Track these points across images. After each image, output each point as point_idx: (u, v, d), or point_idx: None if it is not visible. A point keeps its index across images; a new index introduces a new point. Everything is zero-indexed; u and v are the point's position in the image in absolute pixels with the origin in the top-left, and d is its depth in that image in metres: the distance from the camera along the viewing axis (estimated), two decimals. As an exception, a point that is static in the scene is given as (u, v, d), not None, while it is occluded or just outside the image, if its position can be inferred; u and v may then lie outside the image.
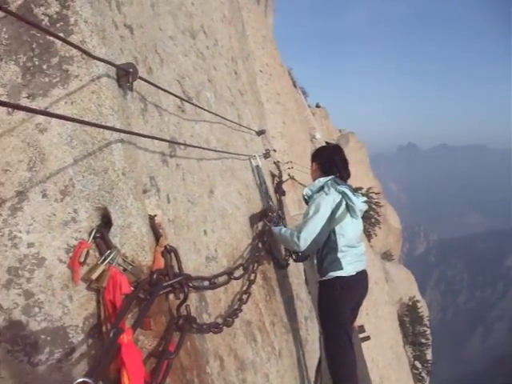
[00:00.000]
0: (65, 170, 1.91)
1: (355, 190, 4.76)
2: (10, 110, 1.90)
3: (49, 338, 1.89)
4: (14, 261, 1.89)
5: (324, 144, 33.26)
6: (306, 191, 4.70)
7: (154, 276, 1.96)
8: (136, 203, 2.02)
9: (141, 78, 2.21)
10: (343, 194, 4.39)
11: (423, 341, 36.42)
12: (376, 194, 36.83)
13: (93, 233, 1.92)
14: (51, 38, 1.89)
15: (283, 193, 6.38)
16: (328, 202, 4.34)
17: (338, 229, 4.39)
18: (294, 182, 15.59)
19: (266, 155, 6.06)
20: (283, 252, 5.45)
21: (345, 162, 4.84)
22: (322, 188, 4.51)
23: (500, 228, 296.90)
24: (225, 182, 3.80)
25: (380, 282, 26.52)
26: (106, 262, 1.89)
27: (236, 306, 3.22)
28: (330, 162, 4.79)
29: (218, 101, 4.26)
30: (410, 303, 37.39)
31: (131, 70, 2.05)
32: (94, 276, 1.87)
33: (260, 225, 4.50)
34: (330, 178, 4.58)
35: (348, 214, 4.42)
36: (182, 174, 2.91)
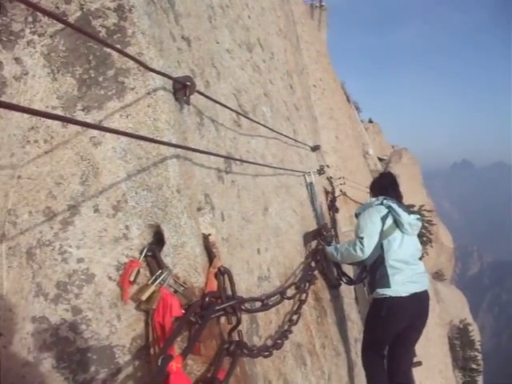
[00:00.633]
0: (118, 185, 1.86)
1: (408, 208, 4.72)
2: (64, 122, 1.87)
3: (95, 357, 1.83)
4: (63, 275, 1.85)
5: (376, 159, 32.85)
6: (358, 210, 4.76)
7: (207, 299, 1.87)
8: (190, 222, 1.94)
9: (198, 91, 2.14)
10: (389, 208, 4.40)
11: (474, 366, 35.14)
12: (428, 211, 36.03)
13: (144, 251, 1.86)
14: (108, 50, 1.85)
15: (337, 210, 6.25)
16: (374, 212, 4.39)
17: (385, 243, 4.32)
18: (345, 198, 15.39)
19: (321, 171, 5.95)
20: (335, 272, 5.30)
21: (394, 185, 4.88)
22: (370, 205, 4.57)
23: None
24: (279, 199, 3.71)
25: (431, 303, 25.79)
26: (157, 282, 1.81)
27: (286, 327, 3.10)
28: (379, 185, 4.89)
29: (274, 115, 4.18)
30: (461, 326, 36.25)
31: (188, 83, 1.99)
32: (144, 297, 1.79)
33: (313, 243, 4.39)
34: (379, 197, 4.63)
35: (397, 229, 4.38)
36: (237, 191, 2.83)
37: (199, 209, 2.15)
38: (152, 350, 1.82)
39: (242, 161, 2.95)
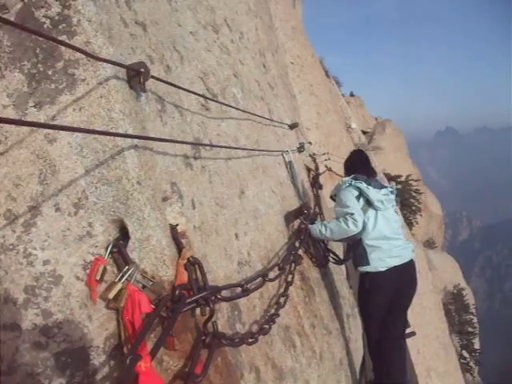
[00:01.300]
0: (77, 181, 1.79)
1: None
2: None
3: (69, 360, 1.77)
4: (30, 279, 1.78)
5: (360, 132, 32.87)
6: (332, 191, 4.99)
7: (177, 292, 1.81)
8: (154, 213, 1.87)
9: (154, 77, 2.06)
10: (359, 189, 4.57)
11: (470, 329, 35.70)
12: (415, 181, 36.26)
13: (109, 247, 1.79)
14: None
15: (320, 187, 6.20)
16: (347, 193, 4.55)
17: None
18: (331, 174, 15.33)
19: (300, 149, 5.88)
20: (322, 251, 5.28)
21: (363, 161, 5.07)
22: (342, 185, 4.74)
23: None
24: (256, 180, 3.64)
25: (423, 271, 26.08)
26: (124, 279, 1.75)
27: (273, 311, 3.05)
28: (349, 164, 5.13)
29: (245, 96, 4.10)
30: (455, 291, 36.74)
31: (142, 69, 1.90)
32: (111, 295, 1.73)
33: (296, 223, 4.33)
34: (351, 176, 4.78)
35: (370, 208, 4.56)
36: (208, 176, 2.76)
37: (165, 199, 2.08)
38: (125, 349, 1.76)
39: (210, 145, 2.87)
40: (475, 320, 37.11)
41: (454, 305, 35.65)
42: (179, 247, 1.98)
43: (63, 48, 1.77)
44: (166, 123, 2.34)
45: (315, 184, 6.02)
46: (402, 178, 34.26)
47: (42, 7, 1.78)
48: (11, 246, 1.80)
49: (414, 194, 35.24)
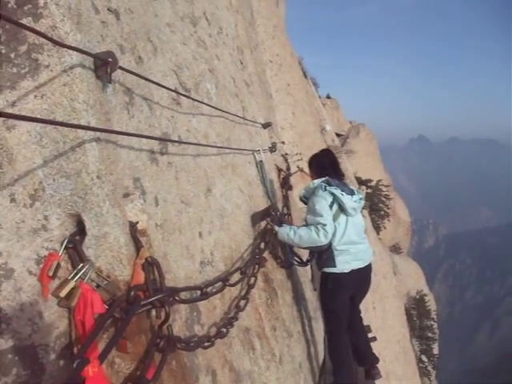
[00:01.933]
0: (34, 172, 1.71)
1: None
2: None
3: (16, 358, 1.68)
4: (-21, 271, 1.69)
5: (334, 135, 33.00)
6: (302, 192, 5.03)
7: (132, 293, 1.74)
8: (113, 210, 1.80)
9: (122, 68, 1.98)
10: (333, 195, 4.59)
11: (430, 335, 36.35)
12: (386, 186, 36.60)
13: (64, 243, 1.72)
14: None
15: (290, 187, 6.15)
16: (323, 201, 4.54)
17: None
18: (303, 174, 15.34)
19: (272, 148, 5.83)
20: (286, 253, 5.27)
21: (333, 164, 5.04)
22: (314, 190, 4.75)
23: (509, 223, 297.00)
24: (224, 179, 3.58)
25: (388, 275, 26.36)
26: (77, 277, 1.68)
27: (232, 314, 3.00)
28: (319, 165, 5.04)
29: (219, 92, 4.03)
30: (418, 297, 37.30)
31: (110, 59, 1.82)
32: (63, 293, 1.66)
33: (263, 224, 4.28)
34: (322, 179, 4.80)
35: (341, 214, 4.63)
36: (174, 173, 2.69)
37: (126, 195, 2.01)
38: (75, 349, 1.69)
39: (177, 141, 2.80)
40: (436, 326, 37.78)
41: (416, 310, 36.20)
42: (138, 246, 1.91)
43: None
44: (132, 116, 2.26)
45: (285, 185, 5.97)
46: (373, 183, 34.55)
47: (7, -14, 1.69)
48: (-39, 236, 1.71)
49: (383, 199, 35.57)
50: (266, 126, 5.76)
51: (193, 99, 3.18)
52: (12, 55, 1.70)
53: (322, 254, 4.67)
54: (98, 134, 1.78)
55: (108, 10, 2.20)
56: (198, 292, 2.42)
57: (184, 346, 2.08)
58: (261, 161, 4.90)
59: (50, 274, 1.68)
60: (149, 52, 2.70)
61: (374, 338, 9.80)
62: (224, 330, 2.73)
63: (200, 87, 3.54)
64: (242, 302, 3.21)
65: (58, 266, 1.71)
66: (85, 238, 1.75)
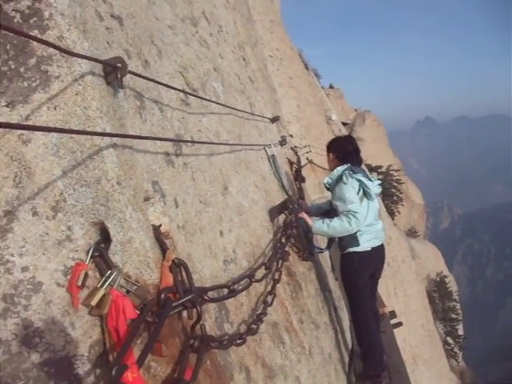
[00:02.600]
0: (54, 183, 1.70)
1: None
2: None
3: (52, 370, 1.69)
4: (8, 287, 1.69)
5: (340, 124, 32.92)
6: (327, 180, 5.16)
7: (162, 295, 1.73)
8: (136, 214, 1.79)
9: (131, 72, 1.98)
10: (360, 182, 4.89)
11: (454, 316, 36.35)
12: (396, 171, 36.54)
13: (90, 252, 1.71)
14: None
15: (303, 179, 6.14)
16: (350, 188, 4.80)
17: None
18: (313, 166, 15.34)
19: (282, 142, 5.82)
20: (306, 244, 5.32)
21: (357, 151, 5.29)
22: (341, 177, 4.95)
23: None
24: (239, 175, 3.57)
25: (407, 260, 26.30)
26: (107, 284, 1.67)
27: (260, 310, 2.98)
28: (344, 151, 5.22)
29: (226, 90, 4.03)
30: (438, 279, 37.23)
31: (119, 64, 1.81)
32: (94, 302, 1.66)
33: (281, 217, 4.28)
34: (346, 166, 5.04)
35: (365, 198, 4.94)
36: (191, 174, 2.69)
37: (147, 198, 2.00)
38: (111, 357, 1.69)
39: (192, 141, 2.80)
40: (458, 306, 37.73)
41: (437, 292, 36.16)
42: (163, 248, 1.91)
43: (35, 44, 1.68)
44: (145, 120, 2.26)
45: (298, 177, 5.96)
46: (383, 169, 34.51)
47: (11, 0, 1.69)
48: (-13, 254, 1.71)
49: (395, 184, 35.52)
50: (274, 120, 5.76)
51: (201, 98, 3.18)
52: (22, 69, 1.70)
53: (345, 237, 4.95)
54: (115, 140, 1.78)
55: (111, 16, 2.20)
56: (226, 290, 2.41)
57: (217, 345, 2.07)
58: (273, 155, 4.95)
59: (79, 283, 1.68)
60: (154, 55, 2.69)
61: (400, 324, 9.81)
62: (254, 326, 2.71)
63: (207, 86, 3.54)
64: (270, 297, 3.19)
65: (86, 275, 1.70)
66: (110, 245, 1.74)
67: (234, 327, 2.69)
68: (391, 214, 33.63)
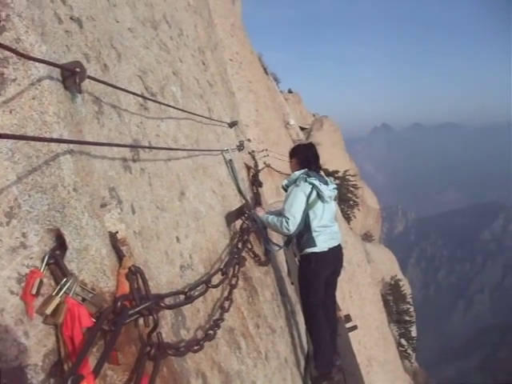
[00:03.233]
0: (8, 189, 1.66)
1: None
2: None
3: (5, 381, 1.65)
4: (-41, 295, 1.64)
5: (298, 129, 33.13)
6: (285, 182, 5.45)
7: (118, 303, 1.72)
8: (92, 221, 1.77)
9: (90, 77, 1.95)
10: (313, 185, 5.12)
11: (407, 318, 37.18)
12: (352, 176, 37.03)
13: (45, 259, 1.68)
14: (-19, 38, 1.63)
15: (260, 184, 6.16)
16: (300, 191, 5.08)
17: (311, 213, 5.15)
18: (270, 170, 15.41)
19: (240, 147, 5.83)
20: (264, 246, 5.39)
21: (316, 157, 5.57)
22: (295, 181, 5.22)
23: (475, 203, 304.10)
24: (197, 181, 3.56)
25: (362, 264, 26.65)
26: (62, 292, 1.64)
27: (217, 316, 2.99)
28: (304, 157, 5.51)
29: (185, 94, 4.01)
30: (393, 282, 37.95)
31: (78, 69, 1.79)
32: (49, 310, 1.62)
33: (238, 223, 4.28)
34: (303, 171, 5.29)
35: (319, 201, 5.18)
36: (148, 179, 2.67)
37: (103, 205, 1.98)
38: (66, 366, 1.66)
39: (149, 147, 2.77)
40: (412, 309, 38.58)
41: (391, 295, 36.87)
42: (120, 256, 1.89)
43: (-10, 46, 1.65)
44: (103, 125, 2.23)
45: (255, 182, 5.98)
46: (340, 174, 34.88)
47: (-34, 1, 1.65)
48: None
49: (351, 189, 35.98)
50: (232, 125, 5.76)
51: (160, 103, 3.16)
52: (-24, 71, 1.66)
53: (302, 237, 5.21)
54: (72, 146, 1.75)
55: (71, 18, 2.17)
56: (182, 296, 2.40)
57: (174, 352, 2.06)
58: (230, 160, 4.98)
59: (34, 291, 1.64)
60: (113, 59, 2.67)
61: (355, 327, 9.93)
62: (211, 332, 2.72)
63: (166, 90, 3.52)
64: (226, 303, 3.20)
65: (41, 282, 1.67)
66: (66, 252, 1.71)
67: (191, 333, 2.68)
68: (347, 218, 34.03)
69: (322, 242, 5.22)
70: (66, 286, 1.66)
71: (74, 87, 1.85)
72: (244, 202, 4.93)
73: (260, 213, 5.25)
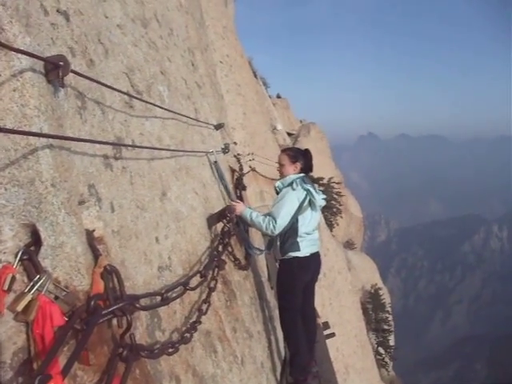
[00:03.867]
0: (-16, 181, 1.63)
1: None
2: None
3: (-29, 377, 1.61)
4: None
5: (285, 134, 33.18)
6: (278, 184, 5.51)
7: (92, 302, 1.68)
8: (69, 218, 1.74)
9: (74, 71, 1.92)
10: (308, 192, 5.22)
11: (386, 327, 37.42)
12: (337, 183, 37.17)
13: (19, 254, 1.64)
14: (-38, 27, 1.59)
15: (244, 188, 6.13)
16: (295, 196, 5.15)
17: (300, 218, 5.24)
18: (255, 174, 15.37)
19: (225, 150, 5.80)
20: (244, 249, 5.37)
21: (312, 165, 5.68)
22: (291, 184, 5.26)
23: (457, 216, 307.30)
24: (179, 182, 3.53)
25: (343, 271, 26.73)
26: (34, 289, 1.61)
27: (194, 319, 2.96)
28: (309, 164, 5.63)
29: (172, 94, 3.98)
30: (373, 291, 38.15)
31: (61, 63, 1.76)
32: (20, 307, 1.59)
33: (219, 226, 4.25)
34: (299, 176, 5.39)
35: (309, 208, 5.31)
36: (129, 178, 2.64)
37: (81, 202, 1.95)
38: (35, 365, 1.62)
39: (132, 146, 2.74)
40: (390, 318, 38.85)
41: (371, 304, 37.06)
42: (95, 254, 1.86)
43: (-29, 35, 1.61)
44: (85, 121, 2.20)
45: (239, 185, 5.95)
46: (325, 181, 34.97)
47: None
48: None
49: (335, 196, 36.08)
50: (219, 127, 5.73)
51: (146, 102, 3.13)
52: (-45, 59, 1.62)
53: (287, 241, 5.28)
54: (51, 140, 1.72)
55: (57, 11, 2.14)
56: (158, 298, 2.37)
57: (148, 354, 2.03)
58: (215, 162, 4.96)
59: (5, 287, 1.61)
60: (100, 54, 2.63)
61: (333, 334, 9.94)
62: (188, 334, 2.69)
63: (152, 90, 3.49)
64: (204, 306, 3.18)
65: (13, 278, 1.63)
66: (40, 249, 1.68)
67: (166, 335, 2.65)
68: (330, 225, 34.12)
69: (305, 248, 5.32)
70: (39, 283, 1.62)
71: (56, 81, 1.81)
72: (226, 205, 4.90)
73: (241, 207, 5.13)
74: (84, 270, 1.76)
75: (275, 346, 6.19)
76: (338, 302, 22.59)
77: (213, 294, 3.45)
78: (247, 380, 4.15)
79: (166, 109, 3.47)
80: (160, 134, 3.37)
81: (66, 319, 1.64)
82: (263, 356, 5.15)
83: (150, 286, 2.57)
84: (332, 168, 43.23)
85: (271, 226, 4.98)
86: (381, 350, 35.29)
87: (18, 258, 1.64)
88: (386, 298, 39.62)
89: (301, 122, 49.80)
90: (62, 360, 1.62)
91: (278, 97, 47.99)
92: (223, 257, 3.77)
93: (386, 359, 35.67)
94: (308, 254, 5.36)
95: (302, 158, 5.57)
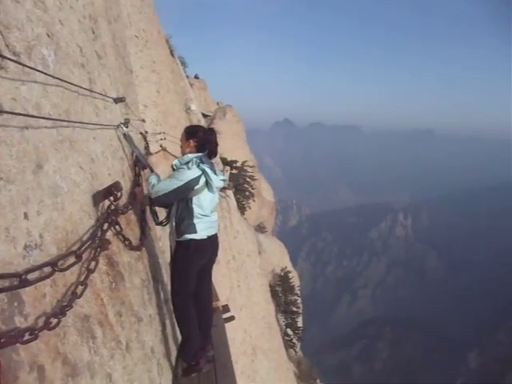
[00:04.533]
0: None
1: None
2: None
3: None
4: None
5: (200, 115, 32.89)
6: (176, 162, 5.48)
7: None
8: None
9: None
10: (203, 172, 5.23)
11: (294, 309, 38.57)
12: (251, 167, 37.40)
13: None
14: None
15: (143, 166, 5.87)
16: (187, 174, 5.15)
17: (195, 199, 5.26)
18: (166, 154, 15.06)
19: (125, 125, 5.52)
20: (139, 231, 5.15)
21: (216, 145, 5.71)
22: (187, 163, 5.26)
23: (365, 203, 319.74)
24: (60, 154, 3.23)
25: (252, 254, 26.97)
26: None
27: (66, 303, 2.73)
28: (206, 142, 5.61)
29: (60, 60, 3.66)
30: (282, 274, 39.02)
31: None
32: None
33: (106, 203, 3.98)
34: (197, 155, 5.39)
35: (206, 189, 5.33)
36: (-8, 146, 2.37)
37: None
38: None
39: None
40: (299, 300, 40.02)
41: (281, 286, 37.93)
42: None
43: None
44: None
45: (138, 163, 5.69)
46: (238, 164, 35.07)
47: None
48: None
49: (248, 179, 36.30)
50: (119, 100, 5.44)
51: (21, 64, 2.83)
52: None
53: (182, 222, 5.27)
54: None
55: None
56: (16, 280, 2.14)
57: (-3, 341, 1.81)
58: (126, 134, 5.17)
59: None
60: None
61: (233, 317, 9.91)
62: (54, 319, 2.47)
63: (34, 52, 3.17)
64: (80, 288, 2.94)
65: None
66: None
67: (30, 321, 2.41)
68: (242, 208, 34.31)
69: (202, 230, 5.34)
70: None
71: None
72: (116, 181, 4.62)
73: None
74: None
75: (170, 330, 6.04)
76: (246, 284, 22.77)
77: (94, 275, 3.24)
78: (133, 366, 3.97)
79: (48, 74, 3.17)
80: (39, 101, 3.07)
81: None
82: (154, 341, 4.96)
83: (12, 266, 2.32)
84: (246, 152, 43.42)
85: (151, 186, 5.23)
86: (289, 331, 36.34)
87: None
88: (295, 281, 40.59)
89: (217, 104, 49.65)
90: None
91: (196, 77, 47.51)
92: (108, 236, 3.54)
93: (294, 340, 36.83)
94: (205, 237, 5.38)
95: (196, 135, 5.62)
